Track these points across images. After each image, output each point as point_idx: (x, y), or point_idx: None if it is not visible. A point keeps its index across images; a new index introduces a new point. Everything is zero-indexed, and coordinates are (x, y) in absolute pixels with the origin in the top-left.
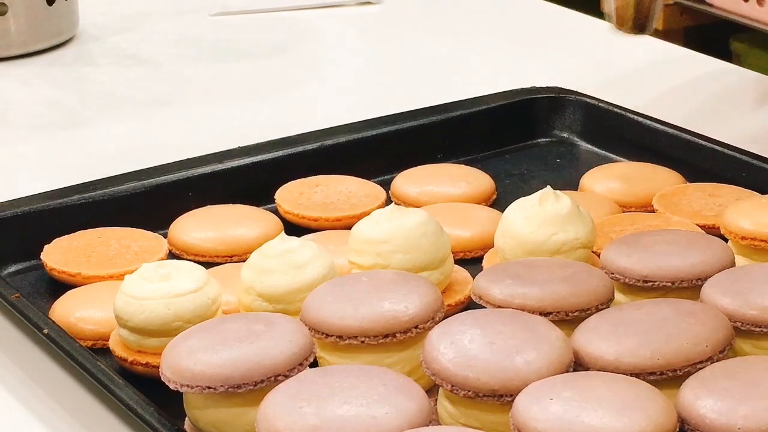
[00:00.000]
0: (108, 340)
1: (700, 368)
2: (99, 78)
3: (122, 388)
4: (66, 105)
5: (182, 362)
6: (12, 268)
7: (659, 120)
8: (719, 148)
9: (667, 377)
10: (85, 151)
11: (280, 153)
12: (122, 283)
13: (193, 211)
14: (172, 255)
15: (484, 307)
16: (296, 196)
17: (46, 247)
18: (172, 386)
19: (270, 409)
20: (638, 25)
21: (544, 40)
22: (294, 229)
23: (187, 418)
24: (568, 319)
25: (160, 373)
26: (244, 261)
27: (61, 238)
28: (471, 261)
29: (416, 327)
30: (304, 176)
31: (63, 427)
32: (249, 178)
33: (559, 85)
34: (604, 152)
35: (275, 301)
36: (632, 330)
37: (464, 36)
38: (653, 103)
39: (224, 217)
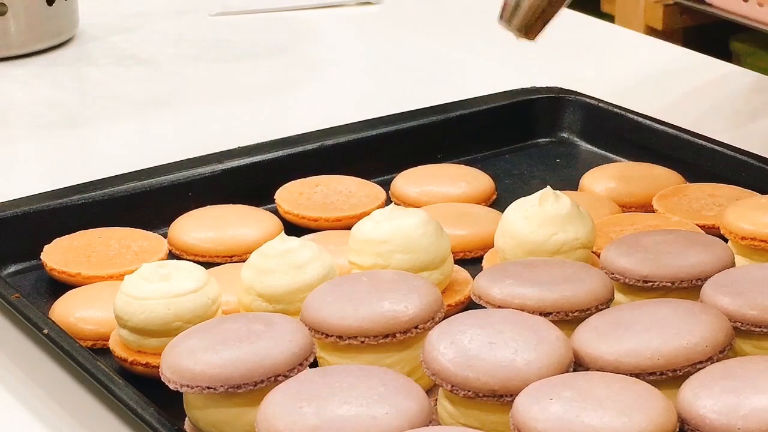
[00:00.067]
0: (108, 340)
1: (700, 368)
2: (99, 78)
3: (122, 388)
4: (66, 105)
5: (182, 362)
6: (12, 268)
7: (659, 120)
8: (719, 148)
9: (667, 377)
10: (85, 151)
11: (280, 153)
12: (122, 283)
13: (193, 211)
14: (172, 255)
15: (484, 307)
16: (296, 196)
17: (46, 247)
18: (172, 386)
19: (270, 409)
20: (525, 28)
21: (544, 40)
22: (294, 229)
23: (187, 418)
24: (568, 319)
25: (160, 373)
26: (244, 261)
27: (61, 238)
28: (471, 261)
29: (416, 327)
30: (304, 176)
31: (63, 427)
32: (249, 178)
33: (559, 85)
34: (604, 152)
35: (275, 301)
36: (632, 330)
37: (464, 36)
38: (653, 103)
39: (224, 217)
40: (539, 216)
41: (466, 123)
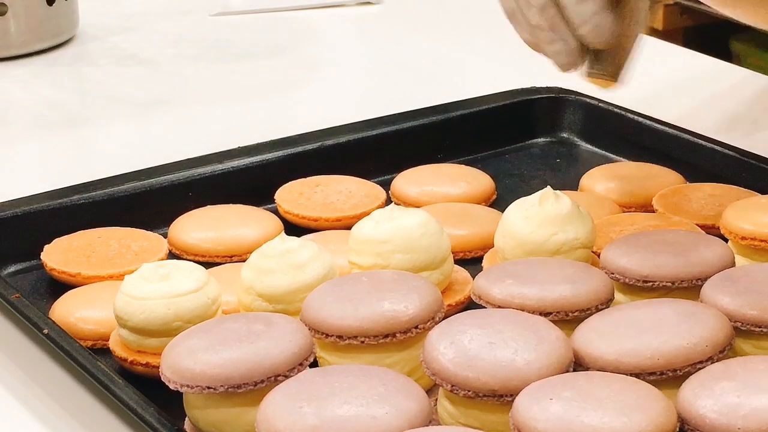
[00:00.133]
0: (108, 340)
1: (700, 368)
2: (99, 78)
3: (122, 388)
4: (66, 105)
5: (182, 362)
6: (12, 268)
7: (659, 120)
8: (719, 148)
9: (667, 377)
10: (85, 151)
11: (280, 153)
12: (122, 283)
13: (193, 211)
14: (172, 255)
15: (484, 307)
16: (296, 196)
17: (46, 247)
18: (172, 386)
19: (270, 409)
20: (596, 67)
21: None
22: (294, 229)
23: (187, 418)
24: (568, 319)
25: (160, 373)
26: (244, 261)
27: (61, 238)
28: (471, 261)
29: (416, 327)
30: (304, 176)
31: (63, 427)
32: (249, 178)
33: (559, 85)
34: (604, 152)
35: (275, 301)
36: (632, 330)
37: (464, 36)
38: (653, 103)
39: (224, 217)
40: (539, 216)
41: (466, 123)
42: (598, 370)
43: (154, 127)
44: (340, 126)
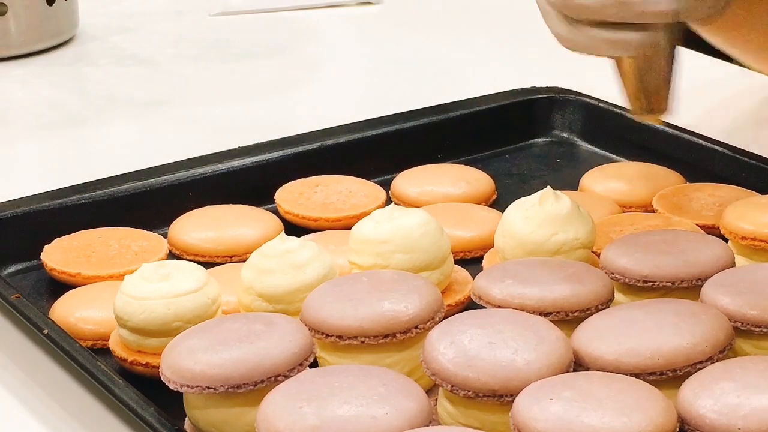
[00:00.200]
0: (108, 340)
1: (700, 368)
2: (99, 78)
3: (122, 388)
4: (66, 105)
5: (182, 362)
6: (12, 268)
7: None
8: (719, 148)
9: (667, 377)
10: (85, 151)
11: (280, 153)
12: (122, 283)
13: (193, 211)
14: (172, 255)
15: (484, 307)
16: (296, 196)
17: (46, 247)
18: (172, 386)
19: (270, 409)
20: (648, 108)
21: (544, 40)
22: (294, 229)
23: (187, 418)
24: (568, 319)
25: (160, 373)
26: (244, 261)
27: (61, 238)
28: (471, 261)
29: (416, 327)
30: (304, 176)
31: (63, 427)
32: (249, 178)
33: (559, 85)
34: (604, 152)
35: (275, 301)
36: (632, 330)
37: (464, 36)
38: None
39: (224, 217)
40: (539, 216)
41: (466, 123)
42: (598, 370)
43: (154, 127)
44: (340, 126)
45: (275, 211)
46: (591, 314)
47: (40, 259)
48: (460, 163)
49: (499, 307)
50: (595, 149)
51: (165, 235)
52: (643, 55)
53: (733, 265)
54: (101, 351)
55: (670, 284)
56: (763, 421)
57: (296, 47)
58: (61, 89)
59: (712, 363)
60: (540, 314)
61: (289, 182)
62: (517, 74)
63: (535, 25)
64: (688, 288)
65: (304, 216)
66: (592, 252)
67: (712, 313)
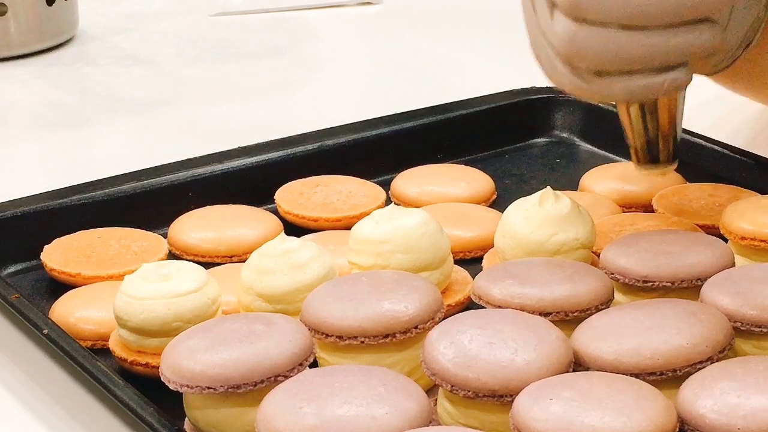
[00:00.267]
0: (108, 340)
1: (700, 368)
2: (99, 78)
3: (122, 388)
4: (66, 105)
5: (182, 362)
6: (12, 268)
7: None
8: (719, 148)
9: (667, 377)
10: (85, 151)
11: (280, 153)
12: (122, 284)
13: (193, 211)
14: (172, 255)
15: (484, 307)
16: (296, 196)
17: (46, 247)
18: (172, 386)
19: (270, 409)
20: (651, 158)
21: None
22: (294, 229)
23: (187, 418)
24: (568, 319)
25: (160, 374)
26: (244, 261)
27: (61, 238)
28: (471, 261)
29: (416, 327)
30: (304, 176)
31: (63, 427)
32: (249, 178)
33: None
34: (604, 152)
35: (275, 301)
36: (632, 330)
37: (464, 36)
38: None
39: (224, 217)
40: (539, 216)
41: (466, 123)
42: (598, 370)
43: (154, 127)
44: (340, 126)
45: (275, 212)
46: (591, 314)
47: (40, 259)
48: (460, 163)
49: (499, 307)
50: (595, 149)
51: (165, 235)
52: (653, 102)
53: (733, 265)
54: (101, 351)
55: (669, 284)
56: (763, 421)
57: (296, 47)
58: (61, 89)
59: (711, 363)
60: (540, 314)
61: (289, 182)
62: (517, 74)
63: None
64: (688, 288)
65: (304, 216)
66: (592, 252)
67: (711, 313)
